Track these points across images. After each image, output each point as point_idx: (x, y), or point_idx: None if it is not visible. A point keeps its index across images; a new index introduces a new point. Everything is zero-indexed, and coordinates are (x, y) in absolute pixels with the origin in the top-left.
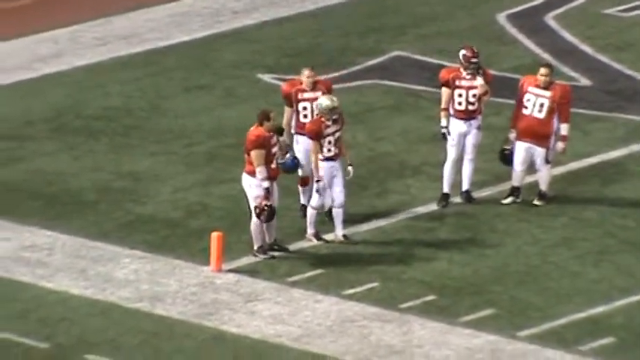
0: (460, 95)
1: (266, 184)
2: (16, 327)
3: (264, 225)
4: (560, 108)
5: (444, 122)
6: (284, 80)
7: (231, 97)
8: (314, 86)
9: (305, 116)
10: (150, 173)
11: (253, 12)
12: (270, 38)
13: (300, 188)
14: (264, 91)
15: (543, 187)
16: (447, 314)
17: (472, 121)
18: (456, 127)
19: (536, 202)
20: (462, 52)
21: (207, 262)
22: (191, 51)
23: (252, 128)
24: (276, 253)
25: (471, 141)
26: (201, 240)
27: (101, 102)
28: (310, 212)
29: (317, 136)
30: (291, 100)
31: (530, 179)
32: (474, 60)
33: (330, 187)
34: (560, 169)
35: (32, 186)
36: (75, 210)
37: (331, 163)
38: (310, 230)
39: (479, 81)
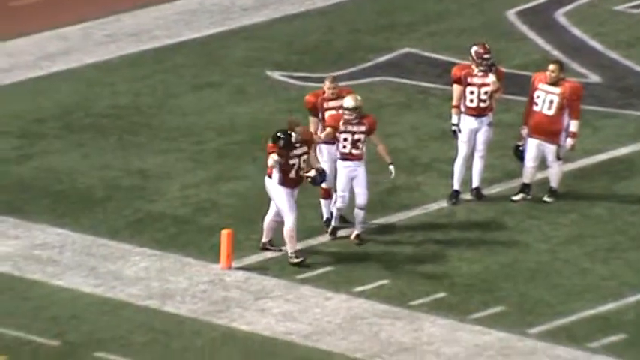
0: (472, 92)
1: (275, 158)
2: (27, 325)
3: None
4: (570, 105)
5: (454, 119)
6: (293, 77)
7: (240, 95)
8: (338, 95)
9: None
10: (159, 171)
11: (263, 9)
12: (279, 35)
13: (322, 201)
14: (273, 88)
15: (554, 184)
16: (457, 311)
17: (483, 118)
18: (467, 123)
19: (546, 198)
20: (474, 48)
21: (216, 260)
22: (200, 48)
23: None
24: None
25: (481, 138)
26: (211, 237)
27: (110, 100)
28: (334, 211)
29: (332, 124)
30: (317, 110)
31: (540, 176)
32: (486, 56)
33: (346, 187)
34: (570, 166)
35: (42, 184)
36: (84, 208)
37: (347, 163)
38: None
39: (491, 78)
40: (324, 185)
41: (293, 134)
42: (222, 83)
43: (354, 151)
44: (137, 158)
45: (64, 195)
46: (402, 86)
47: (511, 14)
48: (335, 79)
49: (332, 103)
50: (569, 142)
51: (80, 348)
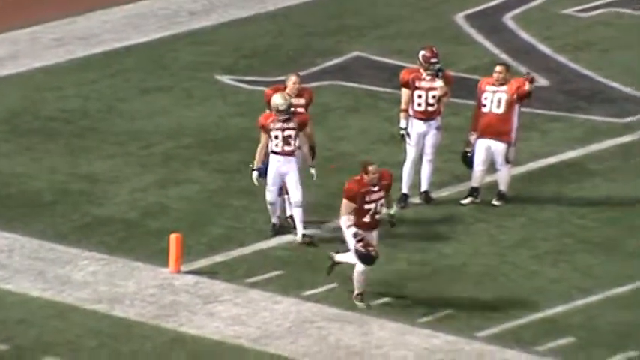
0: (420, 96)
1: (352, 230)
2: None
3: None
4: (517, 92)
5: (403, 123)
6: (242, 82)
7: (188, 99)
8: (299, 93)
9: None
10: (107, 175)
11: (211, 13)
12: (228, 39)
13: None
14: (222, 92)
15: (503, 187)
16: (406, 315)
17: (431, 122)
18: (416, 127)
19: (494, 202)
20: (422, 52)
21: (165, 264)
22: (149, 52)
23: (354, 178)
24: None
25: (430, 142)
26: (160, 241)
27: (59, 104)
28: (268, 207)
29: (263, 128)
30: None
31: (489, 179)
32: (433, 60)
33: (276, 182)
34: (518, 170)
35: None
36: (33, 212)
37: (278, 158)
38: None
39: (438, 82)
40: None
41: (365, 176)
42: (170, 87)
43: (286, 148)
44: (85, 162)
45: (13, 199)
46: (351, 90)
47: (459, 18)
48: (299, 76)
49: (294, 101)
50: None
51: (29, 352)
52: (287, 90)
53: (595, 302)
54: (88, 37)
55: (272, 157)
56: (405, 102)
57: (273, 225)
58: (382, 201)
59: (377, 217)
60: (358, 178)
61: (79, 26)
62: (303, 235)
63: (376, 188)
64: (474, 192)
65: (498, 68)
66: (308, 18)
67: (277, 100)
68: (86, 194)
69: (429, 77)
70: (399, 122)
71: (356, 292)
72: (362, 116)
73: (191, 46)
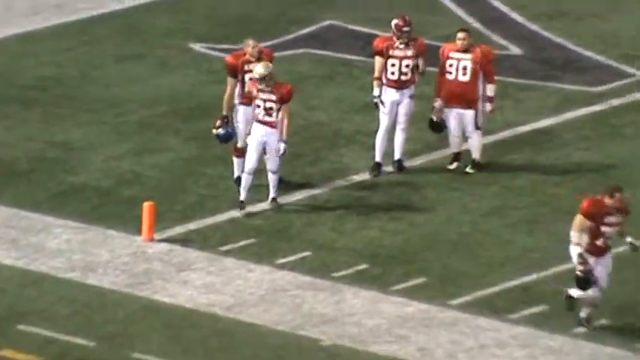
0: (393, 65)
1: (576, 249)
2: None
3: None
4: (483, 69)
5: (376, 91)
6: (216, 50)
7: (163, 67)
8: (259, 56)
9: None
10: (82, 142)
11: None
12: (202, 7)
13: (234, 160)
14: (196, 60)
15: (475, 154)
16: (379, 283)
17: (404, 90)
18: (389, 95)
19: (468, 169)
20: (394, 21)
21: (139, 232)
22: (123, 20)
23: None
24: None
25: (402, 110)
26: (134, 209)
27: (34, 71)
28: (243, 176)
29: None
30: (236, 72)
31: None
32: (405, 29)
33: (258, 149)
34: (491, 138)
35: None
36: (8, 180)
37: (259, 127)
38: (241, 196)
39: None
40: (239, 145)
41: (606, 200)
42: (144, 55)
43: (267, 118)
44: (60, 130)
45: None
46: (325, 58)
47: None
48: (256, 41)
49: (252, 65)
50: (488, 106)
51: (2, 321)
52: (247, 55)
53: (568, 270)
54: (63, 4)
55: (255, 125)
56: (379, 70)
57: (242, 202)
58: (618, 227)
59: (608, 242)
60: (599, 197)
61: None
62: (274, 199)
63: (614, 212)
64: (457, 156)
65: (461, 35)
66: None
67: (259, 69)
68: (61, 162)
69: (402, 46)
70: (372, 90)
71: (581, 314)
72: (336, 85)
73: (165, 14)
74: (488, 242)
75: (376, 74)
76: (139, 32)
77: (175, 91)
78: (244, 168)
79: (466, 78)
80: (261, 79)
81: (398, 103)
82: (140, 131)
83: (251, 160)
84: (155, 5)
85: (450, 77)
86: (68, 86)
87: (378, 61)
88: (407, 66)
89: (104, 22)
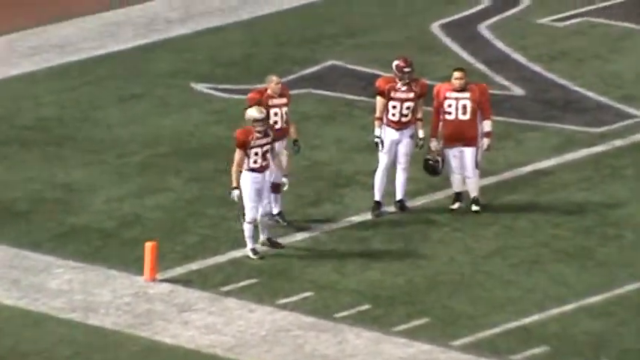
0: (394, 107)
1: None
2: None
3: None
4: (480, 106)
5: (377, 131)
6: (218, 90)
7: (164, 107)
8: (281, 92)
9: (276, 122)
10: (83, 183)
11: (187, 21)
12: (204, 48)
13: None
14: (198, 100)
15: (474, 193)
16: (381, 324)
17: (405, 130)
18: (388, 134)
19: (474, 208)
20: (395, 62)
21: (141, 272)
22: (125, 60)
23: None
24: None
25: (403, 150)
26: (135, 250)
27: (34, 112)
28: (246, 227)
29: (243, 145)
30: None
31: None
32: (406, 70)
33: (257, 199)
34: (493, 179)
35: None
36: (8, 220)
37: (255, 174)
38: (250, 245)
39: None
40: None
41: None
42: (146, 95)
43: (264, 163)
44: (62, 171)
45: None
46: (327, 98)
47: (435, 27)
48: (279, 77)
49: (276, 101)
50: (486, 141)
51: None
52: (269, 91)
53: (569, 311)
54: (65, 45)
55: (249, 174)
56: (380, 110)
57: (254, 250)
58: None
59: None
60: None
61: (55, 34)
62: (269, 239)
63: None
64: (459, 196)
65: (458, 74)
66: (283, 27)
67: (253, 112)
68: (62, 203)
69: (404, 88)
70: (373, 130)
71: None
72: (337, 125)
73: (167, 54)
74: (490, 283)
75: (377, 114)
76: (141, 72)
77: (177, 132)
78: (246, 218)
79: (466, 117)
80: (259, 120)
81: (397, 143)
82: (141, 172)
83: (255, 210)
84: (156, 45)
85: (450, 117)
86: (69, 127)
87: (379, 101)
88: (408, 108)
89: (106, 62)
